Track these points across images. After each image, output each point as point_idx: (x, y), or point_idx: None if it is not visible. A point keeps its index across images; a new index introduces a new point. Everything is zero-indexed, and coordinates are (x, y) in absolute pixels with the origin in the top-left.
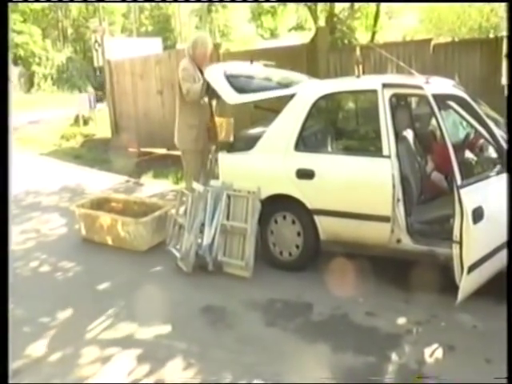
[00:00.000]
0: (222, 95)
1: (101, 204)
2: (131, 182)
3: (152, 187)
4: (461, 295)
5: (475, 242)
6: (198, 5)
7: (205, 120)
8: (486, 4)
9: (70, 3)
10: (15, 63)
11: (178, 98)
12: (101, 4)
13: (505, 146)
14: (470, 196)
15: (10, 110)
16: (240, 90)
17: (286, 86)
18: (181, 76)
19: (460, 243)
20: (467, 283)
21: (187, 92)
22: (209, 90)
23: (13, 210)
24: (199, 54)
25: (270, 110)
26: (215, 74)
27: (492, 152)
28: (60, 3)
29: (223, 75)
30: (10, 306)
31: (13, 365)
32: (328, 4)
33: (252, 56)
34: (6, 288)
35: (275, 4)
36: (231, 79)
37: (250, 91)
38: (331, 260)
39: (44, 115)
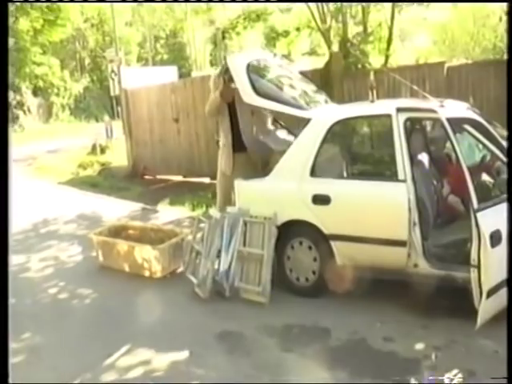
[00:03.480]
0: (240, 90)
1: (118, 231)
2: (148, 210)
3: (168, 214)
4: (480, 320)
5: (493, 266)
6: (212, 32)
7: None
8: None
9: (87, 35)
10: (35, 94)
11: None
12: (117, 34)
13: None
14: (488, 219)
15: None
16: (259, 92)
17: (305, 105)
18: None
19: (478, 267)
20: (486, 307)
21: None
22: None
23: (32, 237)
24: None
25: (287, 129)
26: (238, 64)
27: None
28: (78, 34)
29: (245, 68)
30: (29, 333)
31: None
32: (341, 28)
33: None
34: (6, 289)
35: (288, 28)
36: (253, 76)
37: (268, 97)
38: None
39: (62, 144)
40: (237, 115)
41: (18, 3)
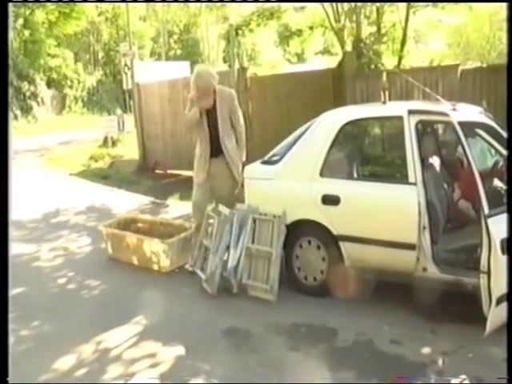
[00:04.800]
0: None
1: (127, 224)
2: (157, 204)
3: (178, 209)
4: (489, 327)
5: (504, 273)
6: (225, 28)
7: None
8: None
9: (102, 28)
10: (48, 86)
11: None
12: (131, 28)
13: None
14: (499, 226)
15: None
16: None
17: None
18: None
19: (488, 273)
20: (496, 315)
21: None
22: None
23: (42, 227)
24: (199, 90)
25: None
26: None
27: None
28: (92, 28)
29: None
30: (38, 321)
31: (40, 378)
32: (355, 28)
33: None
34: (6, 289)
35: (302, 27)
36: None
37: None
38: (356, 286)
39: (74, 136)
40: (216, 123)
41: None
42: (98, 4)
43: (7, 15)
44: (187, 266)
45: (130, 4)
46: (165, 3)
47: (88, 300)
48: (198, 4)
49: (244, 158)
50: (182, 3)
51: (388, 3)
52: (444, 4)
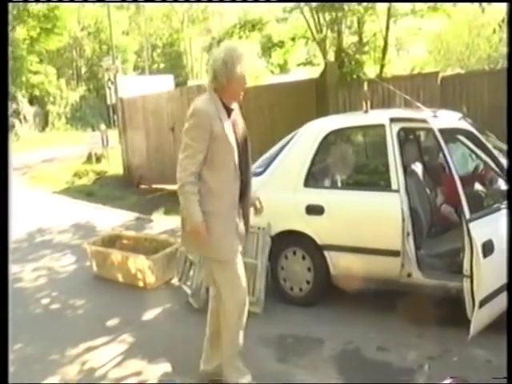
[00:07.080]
0: None
1: (112, 241)
2: (142, 219)
3: (163, 224)
4: (473, 330)
5: (486, 276)
6: (208, 41)
7: None
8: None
9: (84, 43)
10: (31, 103)
11: None
12: (114, 43)
13: None
14: (480, 229)
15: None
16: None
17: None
18: (187, 127)
19: (470, 277)
20: (479, 318)
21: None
22: None
23: (25, 247)
24: (245, 79)
25: None
26: None
27: (502, 184)
28: (75, 43)
29: None
30: (21, 344)
31: None
32: (336, 38)
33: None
34: (6, 289)
35: (284, 39)
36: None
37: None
38: (342, 295)
39: (57, 153)
40: (246, 145)
41: (15, 12)
42: (81, 19)
43: (7, 15)
44: (174, 281)
45: (112, 18)
46: (148, 15)
47: (73, 319)
48: (181, 17)
49: None
50: (166, 16)
51: (370, 12)
52: (423, 11)
